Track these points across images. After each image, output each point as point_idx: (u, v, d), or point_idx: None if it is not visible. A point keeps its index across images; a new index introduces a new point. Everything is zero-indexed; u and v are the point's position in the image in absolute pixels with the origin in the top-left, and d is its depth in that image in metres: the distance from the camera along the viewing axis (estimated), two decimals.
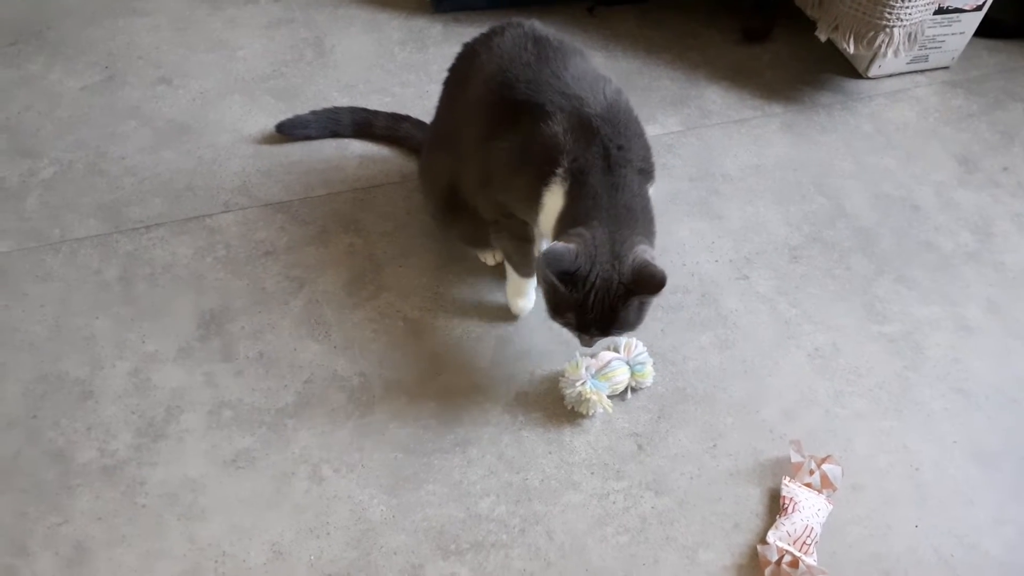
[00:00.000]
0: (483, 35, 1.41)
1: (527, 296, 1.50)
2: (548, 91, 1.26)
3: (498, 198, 1.34)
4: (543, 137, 1.23)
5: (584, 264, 1.16)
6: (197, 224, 1.64)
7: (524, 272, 1.47)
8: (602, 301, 1.18)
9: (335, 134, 1.80)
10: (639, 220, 1.22)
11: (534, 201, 1.26)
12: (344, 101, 1.86)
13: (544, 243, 1.57)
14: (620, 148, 1.22)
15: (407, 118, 1.78)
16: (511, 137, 1.27)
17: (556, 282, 1.16)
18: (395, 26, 2.09)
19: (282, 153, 1.78)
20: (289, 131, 1.78)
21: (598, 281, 1.17)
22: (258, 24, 2.06)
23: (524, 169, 1.26)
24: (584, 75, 1.29)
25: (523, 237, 1.40)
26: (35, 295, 1.52)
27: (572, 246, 1.16)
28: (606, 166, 1.21)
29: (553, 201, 1.23)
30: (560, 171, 1.22)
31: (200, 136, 1.80)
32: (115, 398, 1.39)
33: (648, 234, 1.24)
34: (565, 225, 1.22)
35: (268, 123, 1.82)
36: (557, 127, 1.23)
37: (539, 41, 1.33)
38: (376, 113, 1.79)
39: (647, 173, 1.27)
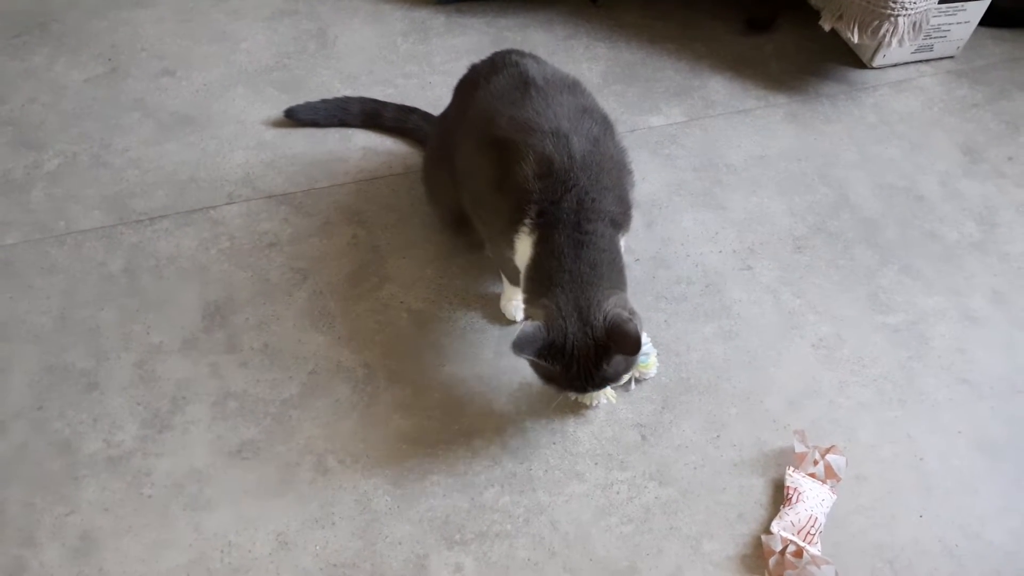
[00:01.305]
0: (486, 64, 1.42)
1: (520, 300, 1.50)
2: (527, 130, 1.25)
3: (481, 228, 1.38)
4: (516, 179, 1.23)
5: (557, 336, 1.17)
6: (201, 216, 1.64)
7: (514, 280, 1.47)
8: (585, 365, 1.18)
9: (343, 123, 1.80)
10: (604, 276, 1.21)
11: (509, 240, 1.26)
12: (347, 92, 1.86)
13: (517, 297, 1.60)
14: (594, 200, 1.22)
15: (415, 110, 1.78)
16: (491, 174, 1.28)
17: (536, 360, 1.18)
18: (398, 17, 2.09)
19: (285, 145, 1.78)
20: (297, 116, 1.79)
21: (575, 350, 1.17)
22: (261, 15, 2.06)
23: (500, 209, 1.27)
24: (570, 114, 1.28)
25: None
26: (40, 287, 1.52)
27: (539, 324, 1.17)
28: (576, 221, 1.21)
29: (523, 247, 1.25)
30: (528, 221, 1.22)
31: (204, 128, 1.80)
32: (120, 389, 1.40)
33: (617, 285, 1.23)
34: (531, 282, 1.24)
35: (272, 114, 1.83)
36: (528, 170, 1.22)
37: (528, 81, 1.32)
38: (385, 104, 1.79)
39: (619, 224, 1.26)
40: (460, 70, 1.51)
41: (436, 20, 2.09)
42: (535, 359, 1.18)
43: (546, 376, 1.24)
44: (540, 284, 1.22)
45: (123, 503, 1.28)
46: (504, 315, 1.51)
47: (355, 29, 2.05)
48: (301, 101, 1.82)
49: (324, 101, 1.80)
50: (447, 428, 1.38)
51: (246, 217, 1.65)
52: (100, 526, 1.25)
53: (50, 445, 1.33)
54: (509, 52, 1.43)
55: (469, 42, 2.01)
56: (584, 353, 1.17)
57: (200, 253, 1.59)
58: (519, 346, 1.15)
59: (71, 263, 1.56)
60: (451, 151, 1.42)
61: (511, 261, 1.37)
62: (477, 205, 1.36)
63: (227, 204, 1.67)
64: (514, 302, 1.50)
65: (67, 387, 1.40)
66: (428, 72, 1.94)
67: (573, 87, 1.36)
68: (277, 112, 1.82)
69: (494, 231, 1.33)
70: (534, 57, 1.42)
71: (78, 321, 1.48)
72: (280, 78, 1.91)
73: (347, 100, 1.80)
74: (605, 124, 1.32)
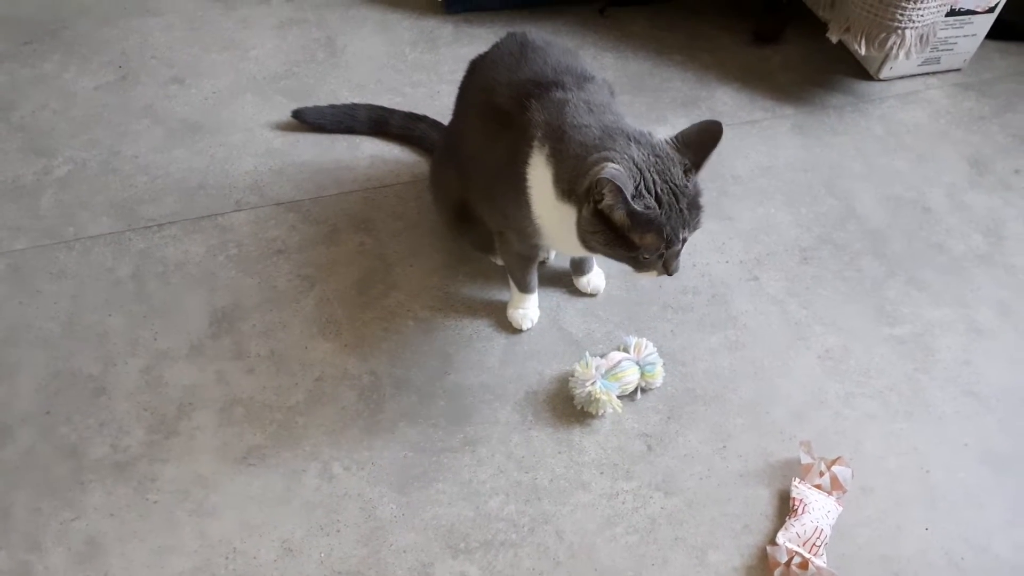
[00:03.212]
0: (485, 51, 1.41)
1: (528, 309, 1.51)
2: (526, 88, 1.24)
3: (498, 207, 1.33)
4: (519, 127, 1.21)
5: (634, 171, 1.09)
6: (209, 223, 1.65)
7: (525, 288, 1.48)
8: (672, 194, 1.10)
9: (350, 129, 1.81)
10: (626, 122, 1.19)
11: (521, 194, 1.21)
12: (355, 100, 1.86)
13: (551, 254, 1.59)
14: (584, 78, 1.26)
15: (424, 118, 1.79)
16: (497, 145, 1.27)
17: (635, 209, 1.07)
18: (406, 26, 2.10)
19: (294, 152, 1.79)
20: (304, 118, 1.80)
21: (656, 178, 1.10)
22: (270, 24, 2.07)
23: (506, 163, 1.23)
24: (566, 66, 1.28)
25: (527, 254, 1.41)
26: (49, 292, 1.53)
27: (613, 164, 1.07)
28: (575, 102, 1.20)
29: (539, 174, 1.18)
30: (535, 141, 1.18)
31: (212, 135, 1.81)
32: (127, 395, 1.40)
33: None
34: (566, 171, 1.14)
35: (280, 122, 1.84)
36: (531, 112, 1.21)
37: (524, 44, 1.32)
38: (393, 112, 1.80)
39: (613, 91, 1.31)
40: None
41: (444, 29, 2.10)
42: (632, 208, 1.07)
43: (643, 235, 1.11)
44: (576, 163, 1.13)
45: (129, 508, 1.28)
46: (511, 324, 1.52)
47: (364, 38, 2.06)
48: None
49: (332, 106, 1.81)
50: (453, 436, 1.38)
51: (254, 224, 1.65)
52: (105, 531, 1.26)
53: (57, 450, 1.34)
54: (508, 32, 1.40)
55: (477, 51, 1.99)
56: (666, 179, 1.10)
57: (208, 260, 1.59)
58: (613, 193, 1.05)
59: (79, 269, 1.57)
60: (456, 146, 1.42)
61: (526, 260, 1.39)
62: (487, 182, 1.31)
63: (235, 211, 1.67)
64: (520, 310, 1.50)
65: (74, 392, 1.40)
66: (436, 81, 1.95)
67: (571, 51, 1.35)
68: (286, 120, 1.83)
69: (507, 199, 1.26)
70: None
71: (86, 327, 1.48)
72: (289, 86, 1.92)
73: (355, 107, 1.81)
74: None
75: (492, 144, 1.28)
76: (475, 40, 2.06)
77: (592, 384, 1.38)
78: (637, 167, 1.10)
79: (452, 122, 1.51)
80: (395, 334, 1.50)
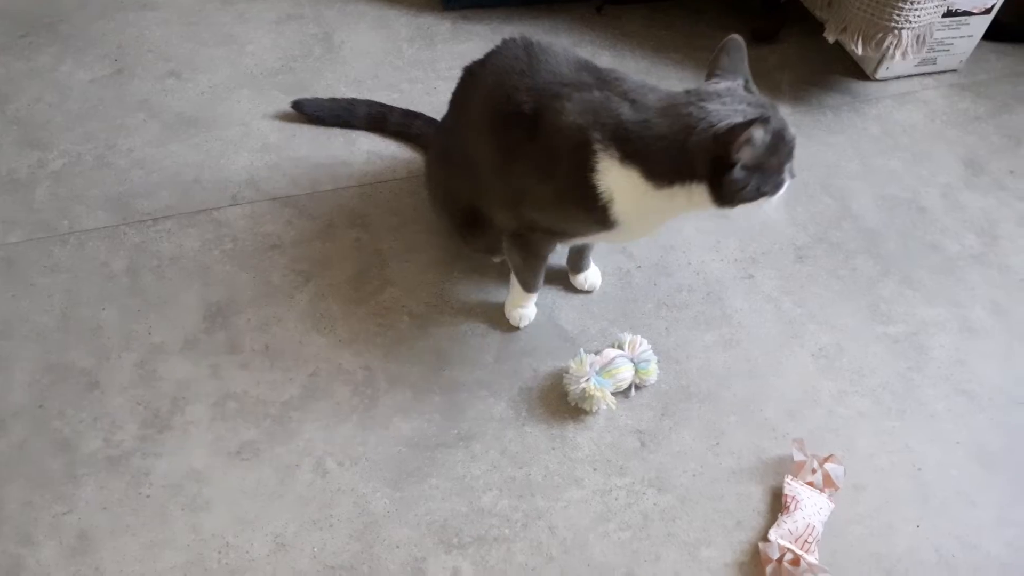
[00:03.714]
0: (480, 59, 1.39)
1: (528, 308, 1.51)
2: (552, 89, 1.24)
3: (535, 217, 1.31)
4: (563, 132, 1.20)
5: (736, 112, 1.14)
6: (204, 217, 1.65)
7: (530, 287, 1.48)
8: (760, 106, 1.18)
9: (347, 124, 1.81)
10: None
11: (590, 201, 1.20)
12: (353, 96, 1.86)
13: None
14: (600, 70, 1.26)
15: (420, 115, 1.79)
16: (530, 151, 1.25)
17: (773, 138, 1.15)
18: (404, 23, 2.10)
19: (290, 148, 1.79)
20: (303, 109, 1.80)
21: (744, 107, 1.16)
22: (267, 19, 2.07)
23: (559, 175, 1.22)
24: (581, 63, 1.28)
25: (538, 253, 1.41)
26: (43, 286, 1.53)
27: (728, 122, 1.11)
28: (609, 95, 1.20)
29: (616, 176, 1.18)
30: (596, 146, 1.17)
31: (208, 130, 1.81)
32: (121, 389, 1.40)
33: None
34: (665, 160, 1.15)
35: (277, 118, 1.83)
36: (571, 116, 1.20)
37: (529, 46, 1.31)
38: (391, 108, 1.80)
39: None
40: None
41: (441, 26, 2.10)
42: (770, 141, 1.14)
43: (779, 167, 1.20)
44: (678, 150, 1.14)
45: (121, 503, 1.28)
46: (509, 321, 1.52)
47: (361, 34, 2.06)
48: None
49: (332, 100, 1.81)
50: (446, 432, 1.39)
51: (249, 219, 1.65)
52: (98, 525, 1.25)
53: (50, 443, 1.33)
54: (503, 39, 1.37)
55: (474, 48, 2.02)
56: (749, 100, 1.18)
57: (203, 254, 1.59)
58: (776, 136, 1.15)
59: (74, 262, 1.56)
60: (464, 155, 1.39)
61: (536, 259, 1.41)
62: (526, 194, 1.30)
63: (231, 206, 1.67)
64: (520, 309, 1.50)
65: (68, 386, 1.40)
66: (433, 78, 1.95)
67: (572, 50, 1.35)
68: (282, 114, 1.83)
69: (562, 208, 1.27)
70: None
71: (80, 320, 1.48)
72: (285, 81, 1.92)
73: (354, 102, 1.81)
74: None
75: (518, 154, 1.26)
76: (473, 37, 2.06)
77: (586, 380, 1.38)
78: (731, 109, 1.14)
79: (453, 130, 1.46)
80: (390, 330, 1.50)
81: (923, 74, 2.09)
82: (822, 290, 1.62)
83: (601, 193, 1.20)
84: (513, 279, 1.49)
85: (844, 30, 1.90)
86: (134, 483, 1.30)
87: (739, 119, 1.11)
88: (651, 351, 1.45)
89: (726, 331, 1.55)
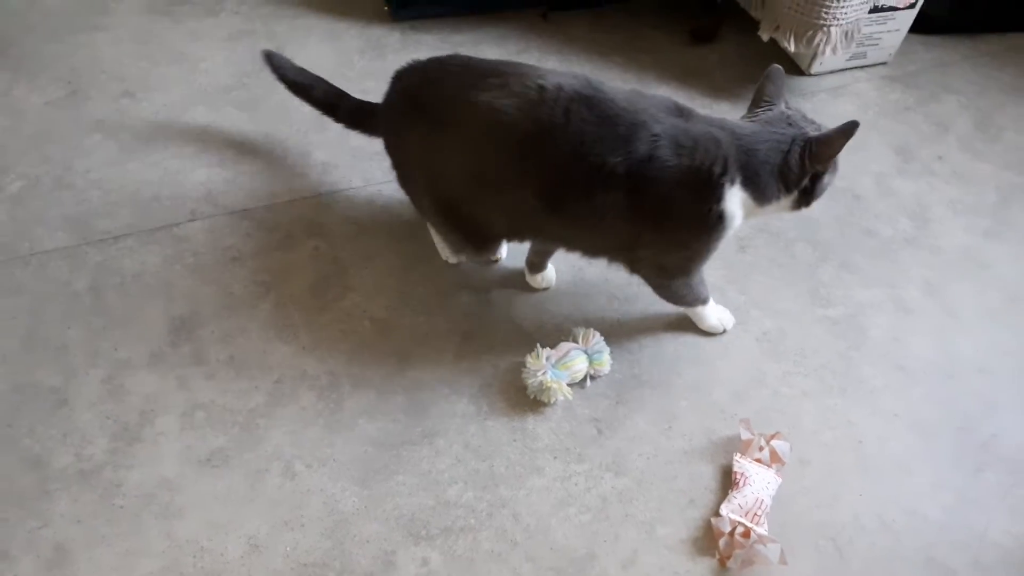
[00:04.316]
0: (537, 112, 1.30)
1: (721, 311, 1.61)
2: (642, 139, 1.27)
3: (664, 261, 1.43)
4: (683, 176, 1.27)
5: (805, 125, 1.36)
6: (165, 233, 1.68)
7: (705, 298, 1.55)
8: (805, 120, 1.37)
9: (305, 93, 1.72)
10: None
11: (716, 230, 1.33)
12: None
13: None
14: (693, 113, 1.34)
15: (375, 110, 1.63)
16: (640, 204, 1.30)
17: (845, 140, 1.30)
18: (354, 35, 2.14)
19: (245, 162, 1.82)
20: (272, 61, 1.72)
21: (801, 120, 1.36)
22: (219, 36, 2.10)
23: (683, 215, 1.31)
24: (638, 101, 1.32)
25: (689, 280, 1.49)
26: (6, 308, 1.55)
27: (810, 135, 1.32)
28: (724, 128, 1.32)
29: (736, 201, 1.31)
30: (722, 179, 1.28)
31: (165, 148, 1.84)
32: (89, 405, 1.43)
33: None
34: (774, 180, 1.32)
35: (231, 133, 1.87)
36: (687, 159, 1.26)
37: (591, 100, 1.29)
38: (346, 96, 1.70)
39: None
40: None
41: (391, 37, 2.15)
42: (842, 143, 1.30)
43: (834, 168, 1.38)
44: (781, 166, 1.31)
45: (95, 515, 1.31)
46: (711, 332, 1.60)
47: (312, 47, 2.10)
48: (261, 120, 1.87)
49: (301, 69, 1.73)
50: (411, 430, 1.44)
51: (209, 233, 1.69)
52: (73, 537, 1.28)
53: (21, 461, 1.36)
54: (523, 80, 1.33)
55: (426, 56, 2.07)
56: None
57: (165, 270, 1.62)
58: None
59: (36, 284, 1.59)
60: (518, 197, 1.36)
61: (689, 290, 1.50)
62: (657, 242, 1.38)
63: (190, 221, 1.71)
64: (717, 318, 1.59)
65: (36, 405, 1.43)
66: (385, 87, 1.98)
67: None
68: (237, 130, 1.86)
69: (680, 242, 1.38)
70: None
71: (45, 340, 1.51)
72: (239, 97, 1.96)
73: (318, 79, 1.72)
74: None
75: (597, 201, 1.30)
76: (422, 47, 2.12)
77: (543, 374, 1.44)
78: (803, 130, 1.33)
79: (486, 172, 1.38)
80: (352, 335, 1.55)
81: (855, 68, 2.19)
82: (764, 277, 1.70)
83: (727, 218, 1.32)
84: (699, 310, 1.56)
85: (777, 28, 1.99)
86: (107, 495, 1.33)
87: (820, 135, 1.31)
88: (604, 342, 1.51)
89: (674, 321, 1.61)
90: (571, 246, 1.48)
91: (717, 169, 1.27)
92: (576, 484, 1.39)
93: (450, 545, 1.31)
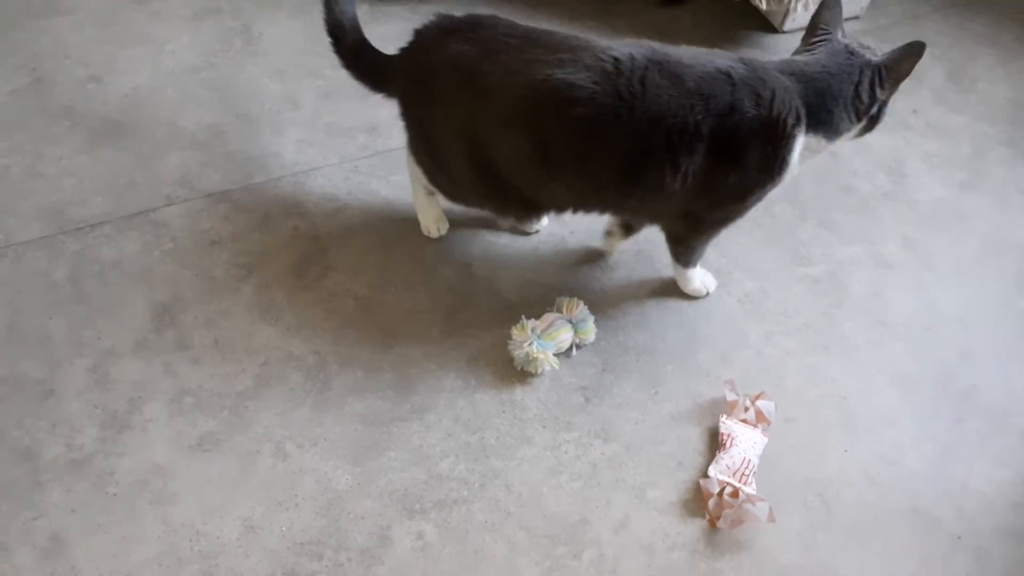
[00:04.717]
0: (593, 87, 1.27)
1: (707, 275, 1.63)
2: (721, 99, 1.26)
3: (716, 216, 1.45)
4: (761, 130, 1.28)
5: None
6: (142, 219, 1.67)
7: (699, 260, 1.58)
8: None
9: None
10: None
11: (779, 176, 1.35)
12: (277, 87, 1.88)
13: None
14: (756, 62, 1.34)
15: (391, 66, 1.50)
16: (719, 165, 1.30)
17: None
18: (322, 9, 2.10)
19: (219, 143, 1.80)
20: None
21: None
22: (183, 16, 2.07)
23: (757, 167, 1.33)
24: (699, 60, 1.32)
25: (707, 241, 1.54)
26: None
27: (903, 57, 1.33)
28: (787, 72, 1.32)
29: (802, 148, 1.33)
30: (792, 128, 1.29)
31: (136, 132, 1.81)
32: (77, 394, 1.43)
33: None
34: (842, 111, 1.33)
35: (203, 114, 1.84)
36: (765, 111, 1.27)
37: (662, 64, 1.29)
38: (360, 34, 1.60)
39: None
40: None
41: (360, 9, 2.10)
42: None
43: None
44: (853, 97, 1.33)
45: (89, 503, 1.31)
46: (695, 295, 1.62)
47: (280, 23, 2.07)
48: (231, 100, 1.85)
49: None
50: (400, 407, 1.44)
51: (186, 217, 1.67)
52: (68, 527, 1.29)
53: (11, 453, 1.36)
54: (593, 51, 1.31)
55: (395, 30, 2.05)
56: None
57: (144, 256, 1.61)
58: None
59: (14, 276, 1.57)
60: (584, 172, 1.36)
61: (702, 247, 1.54)
62: (723, 200, 1.39)
63: (166, 206, 1.69)
64: (701, 280, 1.60)
65: (23, 397, 1.42)
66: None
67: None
68: (208, 111, 1.84)
69: (755, 195, 1.39)
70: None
71: (27, 332, 1.50)
72: (208, 77, 1.93)
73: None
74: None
75: (679, 165, 1.29)
76: (391, 18, 2.09)
77: (529, 345, 1.45)
78: (866, 57, 1.34)
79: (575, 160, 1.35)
80: (336, 314, 1.55)
81: None
82: (745, 239, 1.71)
83: (787, 170, 1.34)
84: (689, 272, 1.57)
85: None
86: (100, 483, 1.33)
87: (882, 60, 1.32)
88: (588, 311, 1.52)
89: (657, 286, 1.63)
90: (634, 215, 1.48)
91: (791, 120, 1.29)
92: (566, 452, 1.40)
93: (444, 518, 1.32)
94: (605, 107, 1.26)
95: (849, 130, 1.36)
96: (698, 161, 1.29)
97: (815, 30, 1.39)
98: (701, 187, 1.33)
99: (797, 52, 1.40)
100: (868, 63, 1.32)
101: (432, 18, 1.40)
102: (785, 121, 1.28)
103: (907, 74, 1.33)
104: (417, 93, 1.43)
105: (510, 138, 1.34)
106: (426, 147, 1.48)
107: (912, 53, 1.30)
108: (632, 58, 1.28)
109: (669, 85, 1.26)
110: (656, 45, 1.33)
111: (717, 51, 1.35)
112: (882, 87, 1.32)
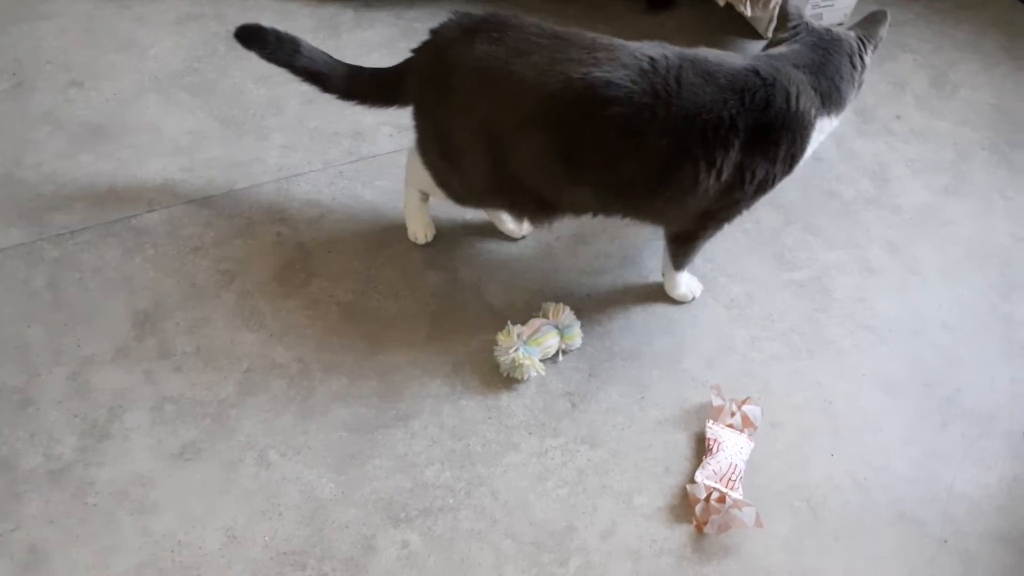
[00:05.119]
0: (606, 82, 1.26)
1: (693, 280, 1.63)
2: (752, 95, 1.28)
3: (729, 214, 1.46)
4: (790, 122, 1.30)
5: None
6: (123, 226, 1.65)
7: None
8: None
9: (288, 64, 1.56)
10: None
11: (797, 162, 1.38)
12: (261, 92, 1.87)
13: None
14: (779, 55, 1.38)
15: (401, 76, 1.47)
16: (753, 157, 1.32)
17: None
18: (306, 14, 2.10)
19: (201, 149, 1.79)
20: (243, 37, 1.57)
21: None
22: (167, 20, 2.05)
23: (781, 158, 1.35)
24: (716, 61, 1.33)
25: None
26: None
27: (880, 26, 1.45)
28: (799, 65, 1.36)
29: (819, 131, 1.38)
30: (815, 113, 1.33)
31: (118, 138, 1.80)
32: (55, 403, 1.40)
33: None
34: (844, 86, 1.38)
35: (185, 120, 1.83)
36: (793, 104, 1.30)
37: (694, 62, 1.31)
38: (337, 64, 1.54)
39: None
40: (373, 63, 1.51)
41: (345, 15, 2.11)
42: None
43: None
44: (854, 68, 1.39)
45: (68, 514, 1.29)
46: (682, 300, 1.62)
47: None
48: (214, 104, 1.83)
49: (277, 34, 1.56)
50: (385, 413, 1.43)
51: (168, 224, 1.65)
52: (47, 538, 1.27)
53: None
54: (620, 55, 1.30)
55: (379, 35, 2.05)
56: None
57: (125, 263, 1.59)
58: None
59: None
60: (604, 176, 1.35)
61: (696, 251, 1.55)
62: (745, 193, 1.39)
63: (148, 212, 1.67)
64: (690, 286, 1.61)
65: (0, 406, 1.40)
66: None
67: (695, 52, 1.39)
68: (191, 117, 1.83)
69: (773, 184, 1.41)
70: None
71: (5, 339, 1.47)
72: (192, 82, 1.91)
73: (300, 44, 1.56)
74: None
75: (715, 161, 1.30)
76: (376, 24, 2.08)
77: (515, 351, 1.44)
78: (845, 32, 1.43)
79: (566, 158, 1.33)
80: (319, 320, 1.54)
81: None
82: (730, 244, 1.71)
83: (808, 146, 1.37)
84: (679, 276, 1.58)
85: None
86: (79, 494, 1.31)
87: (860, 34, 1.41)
88: (574, 316, 1.52)
89: (643, 291, 1.62)
90: (656, 216, 1.47)
91: (813, 111, 1.32)
92: (552, 458, 1.39)
93: (429, 526, 1.31)
94: (642, 105, 1.25)
95: (852, 100, 1.42)
96: (733, 157, 1.30)
97: (788, 20, 1.42)
98: (729, 183, 1.34)
99: (773, 43, 1.43)
100: (849, 36, 1.40)
101: (450, 17, 1.38)
102: (809, 112, 1.32)
103: (883, 38, 1.43)
104: (434, 93, 1.38)
105: (540, 138, 1.32)
106: (439, 148, 1.44)
107: (880, 20, 1.43)
108: (666, 57, 1.30)
109: (703, 83, 1.27)
110: (678, 48, 1.35)
111: (730, 52, 1.38)
112: (867, 52, 1.41)
